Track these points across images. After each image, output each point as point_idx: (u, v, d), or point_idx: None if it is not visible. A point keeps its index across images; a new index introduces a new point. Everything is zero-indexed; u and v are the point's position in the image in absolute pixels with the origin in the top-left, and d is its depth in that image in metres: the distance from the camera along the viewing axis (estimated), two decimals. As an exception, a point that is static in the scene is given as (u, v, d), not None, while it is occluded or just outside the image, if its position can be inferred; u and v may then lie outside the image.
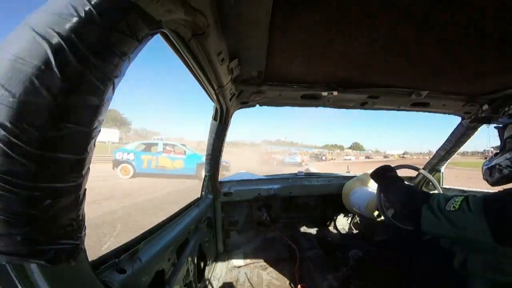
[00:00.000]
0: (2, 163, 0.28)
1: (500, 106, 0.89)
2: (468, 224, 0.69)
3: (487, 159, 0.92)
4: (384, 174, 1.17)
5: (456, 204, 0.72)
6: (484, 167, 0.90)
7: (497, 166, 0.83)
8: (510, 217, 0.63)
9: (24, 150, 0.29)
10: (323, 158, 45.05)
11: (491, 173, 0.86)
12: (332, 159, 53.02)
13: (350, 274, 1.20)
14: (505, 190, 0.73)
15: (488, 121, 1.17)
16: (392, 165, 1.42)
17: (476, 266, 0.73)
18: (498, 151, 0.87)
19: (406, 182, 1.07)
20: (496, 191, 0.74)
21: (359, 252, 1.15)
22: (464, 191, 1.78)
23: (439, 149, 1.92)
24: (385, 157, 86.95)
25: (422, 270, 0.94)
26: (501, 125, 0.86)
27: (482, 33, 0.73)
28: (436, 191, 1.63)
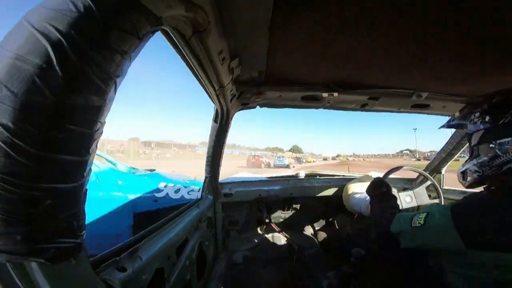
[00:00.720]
0: (3, 163, 0.28)
1: (468, 114, 0.93)
2: (437, 236, 0.72)
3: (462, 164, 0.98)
4: (372, 192, 1.23)
5: (420, 220, 0.77)
6: (459, 172, 0.96)
7: (467, 171, 0.88)
8: (478, 222, 0.65)
9: (26, 150, 0.28)
10: (303, 161, 53.09)
11: (464, 177, 0.91)
12: (313, 161, 60.06)
13: (351, 272, 1.20)
14: (470, 195, 0.77)
15: (461, 127, 1.22)
16: (383, 172, 1.44)
17: (449, 269, 0.77)
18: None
19: (387, 199, 1.12)
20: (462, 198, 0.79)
21: (361, 250, 1.16)
22: (464, 192, 1.78)
23: (440, 151, 1.92)
24: (333, 159, 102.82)
25: (423, 270, 0.94)
26: (470, 132, 0.90)
27: (483, 34, 0.73)
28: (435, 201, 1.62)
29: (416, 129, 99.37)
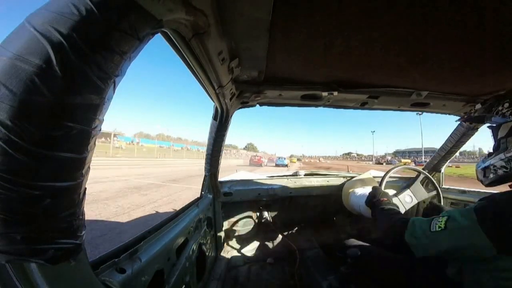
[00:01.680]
0: (2, 162, 0.28)
1: (493, 105, 0.88)
2: (462, 241, 0.66)
3: (481, 159, 0.90)
4: (371, 202, 1.20)
5: (440, 224, 0.70)
6: (478, 168, 0.88)
7: (491, 167, 0.81)
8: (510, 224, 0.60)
9: (25, 148, 0.29)
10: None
11: (485, 174, 0.84)
12: (295, 162, 62.49)
13: (349, 272, 1.20)
14: (495, 195, 0.70)
15: (481, 120, 1.14)
16: (383, 172, 1.41)
17: (473, 277, 0.71)
18: (492, 151, 0.85)
19: (389, 206, 1.07)
20: (484, 198, 0.72)
21: (357, 250, 1.16)
22: (464, 191, 1.78)
23: (439, 149, 1.92)
24: (298, 159, 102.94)
25: (421, 269, 0.94)
26: (494, 125, 0.84)
27: (482, 33, 0.74)
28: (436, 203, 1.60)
29: (374, 131, 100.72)
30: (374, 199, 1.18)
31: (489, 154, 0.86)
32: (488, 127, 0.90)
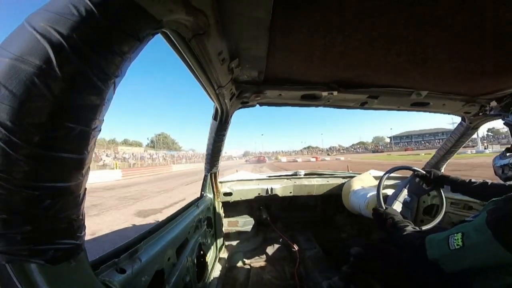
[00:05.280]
0: (2, 163, 0.28)
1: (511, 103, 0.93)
2: (482, 255, 0.67)
3: (498, 155, 0.95)
4: (381, 227, 1.13)
5: (458, 241, 0.71)
6: (496, 165, 0.93)
7: (509, 165, 0.86)
8: None
9: (25, 149, 0.29)
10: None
11: (504, 171, 0.89)
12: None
13: (351, 272, 1.20)
14: (504, 205, 0.71)
15: (497, 116, 1.17)
16: (382, 172, 1.37)
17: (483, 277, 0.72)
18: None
19: (400, 225, 1.02)
20: (492, 204, 0.74)
21: (360, 249, 1.15)
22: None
23: (439, 149, 1.92)
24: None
25: (424, 268, 0.94)
26: None
27: (482, 33, 0.74)
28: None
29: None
30: (383, 224, 1.10)
31: (507, 150, 0.91)
32: (504, 123, 0.95)
